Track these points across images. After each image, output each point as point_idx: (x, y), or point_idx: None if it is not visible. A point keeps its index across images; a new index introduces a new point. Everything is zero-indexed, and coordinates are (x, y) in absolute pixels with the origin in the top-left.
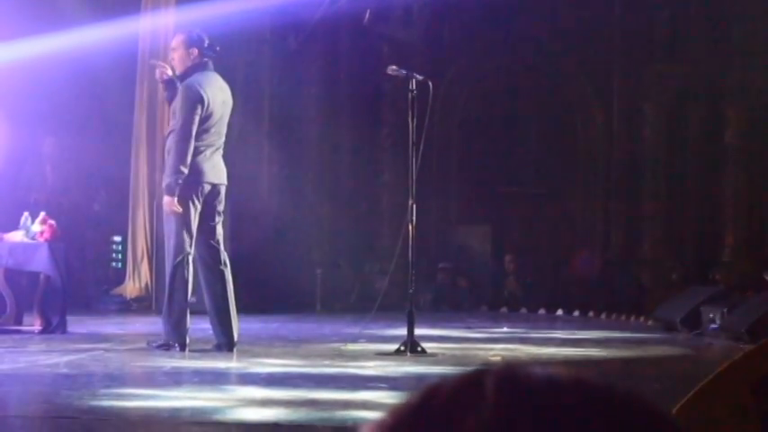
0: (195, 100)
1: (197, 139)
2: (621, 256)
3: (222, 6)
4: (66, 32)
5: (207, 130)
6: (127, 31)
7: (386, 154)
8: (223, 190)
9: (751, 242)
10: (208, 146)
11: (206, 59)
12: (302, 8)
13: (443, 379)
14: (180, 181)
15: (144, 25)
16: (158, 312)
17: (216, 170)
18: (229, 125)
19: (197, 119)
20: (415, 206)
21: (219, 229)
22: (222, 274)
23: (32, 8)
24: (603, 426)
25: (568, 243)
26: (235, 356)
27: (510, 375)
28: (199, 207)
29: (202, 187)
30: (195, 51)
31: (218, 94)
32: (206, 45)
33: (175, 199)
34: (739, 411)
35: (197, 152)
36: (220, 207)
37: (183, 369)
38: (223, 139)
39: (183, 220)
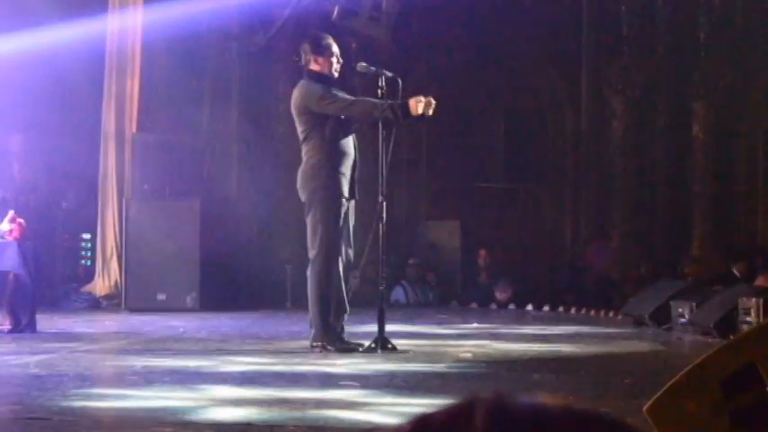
0: None
1: None
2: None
3: (190, 4)
4: (33, 31)
5: None
6: (95, 30)
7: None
8: (300, 195)
9: (719, 236)
10: None
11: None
12: (270, 5)
13: (432, 410)
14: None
15: (112, 24)
16: (129, 310)
17: None
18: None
19: None
20: (385, 203)
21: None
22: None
23: (0, 7)
24: None
25: (537, 238)
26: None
27: (499, 407)
28: None
29: None
30: None
31: None
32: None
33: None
34: (710, 408)
35: None
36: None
37: (154, 368)
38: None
39: None
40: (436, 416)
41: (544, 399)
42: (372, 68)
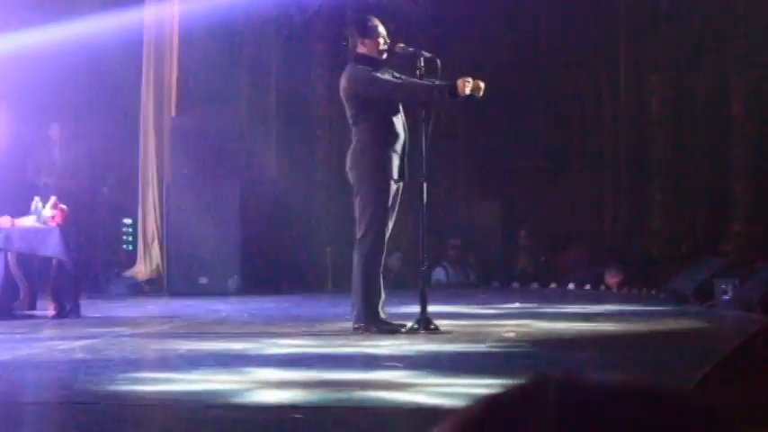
0: None
1: None
2: (631, 229)
3: None
4: (72, 20)
5: None
6: (133, 17)
7: None
8: (349, 177)
9: (761, 212)
10: None
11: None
12: None
13: (500, 390)
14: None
15: (150, 10)
16: (171, 294)
17: None
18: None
19: None
20: (425, 184)
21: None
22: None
23: None
24: None
25: (578, 217)
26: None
27: (570, 385)
28: None
29: None
30: None
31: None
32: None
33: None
34: (760, 386)
35: None
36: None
37: (198, 352)
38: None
39: None
40: (505, 396)
41: (614, 377)
42: (411, 49)
